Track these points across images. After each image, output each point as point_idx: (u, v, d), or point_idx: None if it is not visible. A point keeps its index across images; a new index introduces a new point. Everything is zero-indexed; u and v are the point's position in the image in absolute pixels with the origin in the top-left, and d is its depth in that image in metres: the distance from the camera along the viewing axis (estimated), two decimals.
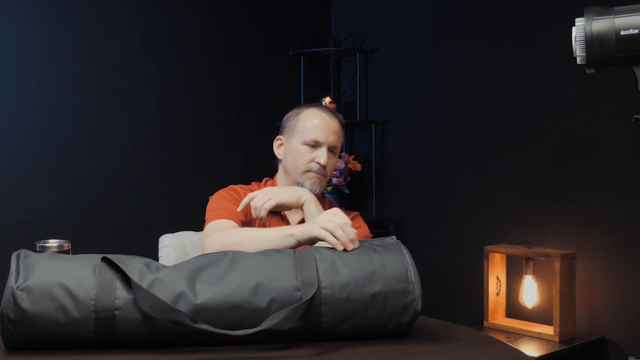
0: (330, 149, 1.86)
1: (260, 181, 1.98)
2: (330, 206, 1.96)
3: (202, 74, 3.26)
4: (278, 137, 1.94)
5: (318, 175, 1.83)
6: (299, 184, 1.84)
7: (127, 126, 3.01)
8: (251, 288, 1.17)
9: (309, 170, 1.83)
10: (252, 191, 1.87)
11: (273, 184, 1.93)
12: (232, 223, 1.74)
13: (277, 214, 1.87)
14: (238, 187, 1.89)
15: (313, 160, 1.83)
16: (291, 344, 1.20)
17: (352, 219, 1.93)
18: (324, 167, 1.83)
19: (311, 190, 1.80)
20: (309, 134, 1.84)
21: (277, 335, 1.18)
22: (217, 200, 1.83)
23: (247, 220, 1.81)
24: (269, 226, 1.84)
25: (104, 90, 2.95)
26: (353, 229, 1.35)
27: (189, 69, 3.21)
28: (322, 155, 1.83)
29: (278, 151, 1.93)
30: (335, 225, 1.36)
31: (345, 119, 3.60)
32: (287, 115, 1.94)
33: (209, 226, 1.76)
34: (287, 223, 1.87)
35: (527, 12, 2.96)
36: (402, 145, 3.48)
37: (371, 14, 3.60)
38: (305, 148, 1.84)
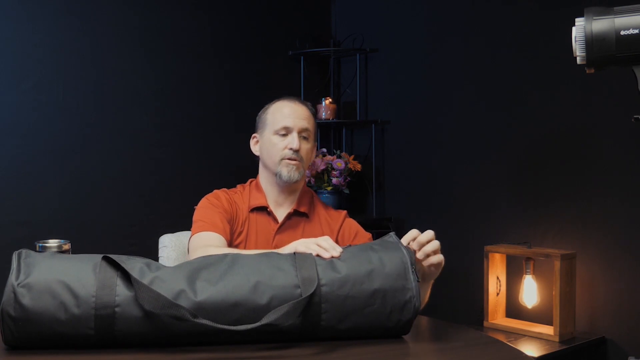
0: (302, 135, 1.90)
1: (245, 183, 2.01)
2: (324, 207, 1.98)
3: (202, 74, 3.26)
4: (253, 135, 2.00)
5: (294, 162, 1.88)
6: (277, 175, 1.88)
7: (126, 126, 3.01)
8: (251, 286, 1.17)
9: (283, 158, 1.88)
10: (237, 195, 1.94)
11: (257, 184, 1.96)
12: (217, 236, 1.78)
13: (264, 211, 1.91)
14: (221, 193, 1.92)
15: (286, 147, 1.87)
16: (291, 344, 1.20)
17: (343, 220, 1.95)
18: (297, 151, 1.87)
19: (289, 178, 1.87)
20: (279, 123, 1.90)
21: (277, 334, 1.18)
22: (202, 210, 1.87)
23: (232, 230, 1.86)
24: (258, 223, 1.90)
25: (103, 90, 2.95)
26: (330, 241, 1.37)
27: (189, 69, 3.21)
28: (293, 140, 1.87)
29: (255, 148, 1.99)
30: (314, 241, 1.39)
31: (345, 119, 3.63)
32: (259, 113, 1.99)
33: (194, 239, 1.81)
34: (275, 219, 1.91)
35: (527, 12, 2.96)
36: (402, 145, 3.48)
37: (371, 14, 3.60)
38: (277, 137, 1.90)
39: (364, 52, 3.56)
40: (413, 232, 1.47)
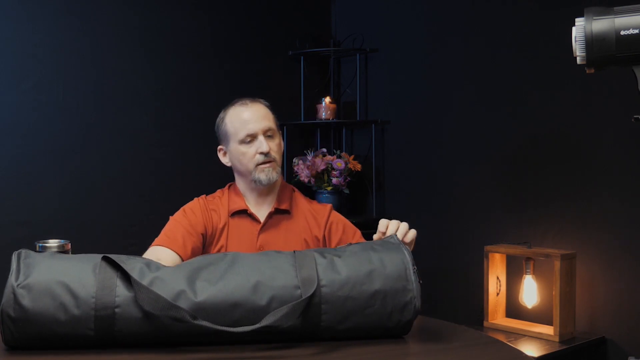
0: (267, 134, 1.90)
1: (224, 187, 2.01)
2: (308, 201, 1.99)
3: (202, 74, 3.26)
4: (219, 147, 1.99)
5: (269, 164, 1.88)
6: (255, 182, 1.88)
7: (126, 126, 3.01)
8: (251, 286, 1.17)
9: (257, 164, 1.88)
10: (216, 200, 1.94)
11: (235, 188, 1.97)
12: (170, 253, 1.80)
13: (244, 213, 1.92)
14: (199, 203, 1.93)
15: (256, 153, 1.88)
16: (291, 344, 1.20)
17: (330, 213, 1.95)
18: (268, 153, 1.87)
19: (269, 180, 1.88)
20: (241, 132, 1.89)
21: (277, 334, 1.18)
22: (171, 223, 1.89)
23: (207, 241, 1.86)
24: (239, 226, 1.90)
25: (103, 90, 2.95)
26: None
27: (189, 69, 3.21)
28: (261, 144, 1.87)
29: (225, 160, 1.98)
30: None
31: (345, 119, 3.63)
32: (216, 123, 1.98)
33: (149, 250, 1.83)
34: (258, 221, 1.91)
35: (527, 12, 2.96)
36: (402, 145, 3.48)
37: (371, 14, 3.60)
38: (245, 146, 1.89)
39: (364, 52, 3.56)
40: (383, 222, 1.60)
